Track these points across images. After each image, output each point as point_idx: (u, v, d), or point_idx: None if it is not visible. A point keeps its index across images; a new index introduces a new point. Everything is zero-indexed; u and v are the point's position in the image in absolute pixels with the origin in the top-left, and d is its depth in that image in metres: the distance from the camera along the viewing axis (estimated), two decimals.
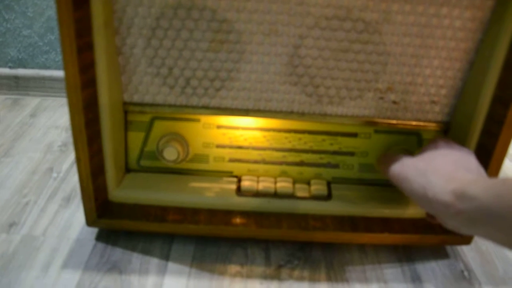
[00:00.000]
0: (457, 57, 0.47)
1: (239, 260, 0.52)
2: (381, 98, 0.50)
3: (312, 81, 0.49)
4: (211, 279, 0.50)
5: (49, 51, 0.86)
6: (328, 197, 0.54)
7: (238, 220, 0.52)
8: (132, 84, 0.50)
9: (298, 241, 0.55)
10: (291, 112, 0.51)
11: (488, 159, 0.48)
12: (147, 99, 0.51)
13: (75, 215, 0.58)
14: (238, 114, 0.51)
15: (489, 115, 0.47)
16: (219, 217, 0.52)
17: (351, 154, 0.55)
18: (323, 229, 0.51)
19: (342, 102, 0.50)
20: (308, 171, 0.56)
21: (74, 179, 0.65)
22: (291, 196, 0.54)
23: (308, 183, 0.55)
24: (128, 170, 0.56)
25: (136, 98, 0.51)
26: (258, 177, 0.55)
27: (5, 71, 0.87)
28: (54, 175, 0.66)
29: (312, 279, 0.50)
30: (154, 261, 0.51)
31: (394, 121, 0.51)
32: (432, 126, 0.52)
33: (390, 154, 0.47)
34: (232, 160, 0.55)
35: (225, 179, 0.56)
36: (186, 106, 0.51)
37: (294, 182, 0.55)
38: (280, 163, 0.55)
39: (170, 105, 0.51)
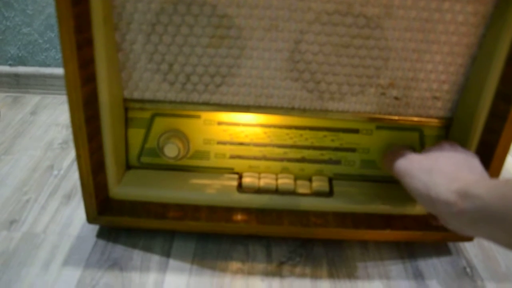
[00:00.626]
0: (459, 52, 0.47)
1: (241, 257, 0.52)
2: (383, 94, 0.50)
3: (313, 76, 0.48)
4: (212, 276, 0.49)
5: (49, 48, 0.86)
6: (330, 193, 0.54)
7: (239, 216, 0.52)
8: (132, 81, 0.50)
9: (300, 238, 0.55)
10: (292, 108, 0.50)
11: (490, 155, 0.47)
12: (148, 95, 0.50)
13: (76, 212, 0.58)
14: (239, 110, 0.51)
15: (492, 111, 0.47)
16: (220, 214, 0.52)
17: (353, 150, 0.54)
18: (325, 225, 0.51)
19: (344, 98, 0.50)
20: (309, 167, 0.55)
21: (74, 177, 0.65)
22: (292, 192, 0.53)
23: (310, 180, 0.55)
24: (128, 167, 0.55)
25: (136, 95, 0.51)
26: (259, 173, 0.55)
27: (5, 69, 0.87)
28: (55, 172, 0.66)
29: (314, 276, 0.50)
30: (155, 258, 0.51)
31: (396, 117, 0.51)
32: (434, 122, 0.51)
33: (396, 149, 0.47)
34: (233, 157, 0.55)
35: (226, 175, 0.55)
36: (187, 103, 0.51)
37: (296, 178, 0.55)
38: (281, 160, 0.55)
39: (170, 102, 0.51)
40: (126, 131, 0.53)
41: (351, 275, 0.51)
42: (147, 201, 0.53)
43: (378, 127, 0.53)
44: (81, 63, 0.42)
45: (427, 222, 0.45)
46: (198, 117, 0.53)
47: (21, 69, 0.87)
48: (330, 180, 0.55)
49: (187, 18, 0.45)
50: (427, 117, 0.51)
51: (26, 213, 0.57)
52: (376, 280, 0.50)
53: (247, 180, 0.54)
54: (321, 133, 0.54)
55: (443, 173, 0.39)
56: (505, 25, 0.44)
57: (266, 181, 0.54)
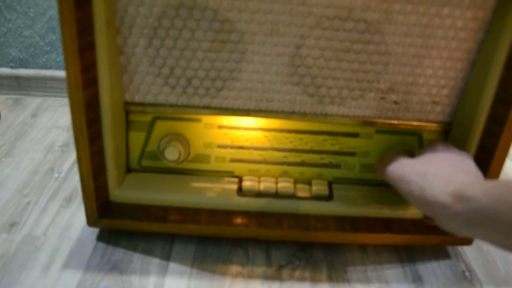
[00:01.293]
0: (458, 57, 0.47)
1: (240, 260, 0.52)
2: (383, 98, 0.50)
3: (314, 81, 0.49)
4: (212, 280, 0.49)
5: (51, 51, 0.86)
6: (329, 197, 0.54)
7: (239, 220, 0.52)
8: (133, 84, 0.50)
9: (299, 242, 0.55)
10: (293, 112, 0.51)
11: (489, 159, 0.47)
12: (149, 99, 0.51)
13: (76, 215, 0.58)
14: (240, 114, 0.51)
15: (491, 115, 0.47)
16: (220, 217, 0.52)
17: (352, 154, 0.55)
18: (324, 229, 0.51)
19: (344, 102, 0.50)
20: (309, 171, 0.55)
21: (75, 179, 0.65)
22: (292, 196, 0.54)
23: (309, 183, 0.55)
24: (129, 170, 0.56)
25: (137, 98, 0.51)
26: (259, 177, 0.55)
27: (7, 71, 0.87)
28: (55, 175, 0.66)
29: (313, 280, 0.50)
30: (155, 261, 0.51)
31: (395, 122, 0.51)
32: (433, 126, 0.52)
33: (389, 156, 0.47)
34: (233, 160, 0.55)
35: (226, 179, 0.56)
36: (188, 106, 0.51)
37: (295, 182, 0.55)
38: (281, 163, 0.55)
39: (171, 105, 0.51)
40: (127, 134, 0.53)
41: (350, 278, 0.51)
42: (148, 204, 0.53)
43: (377, 131, 0.53)
44: (83, 66, 0.42)
45: (424, 223, 0.45)
46: (199, 120, 0.53)
47: (22, 72, 0.88)
48: (330, 184, 0.55)
49: (189, 22, 0.46)
50: (426, 121, 0.51)
51: (26, 215, 0.57)
52: (375, 284, 0.50)
53: (247, 183, 0.54)
54: (321, 137, 0.54)
55: (438, 175, 0.39)
56: (504, 30, 0.44)
57: (266, 184, 0.54)
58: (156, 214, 0.52)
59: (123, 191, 0.53)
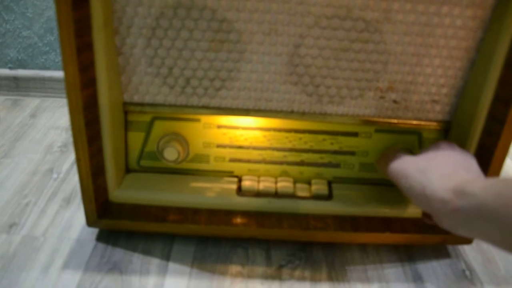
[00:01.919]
0: (458, 56, 0.47)
1: (240, 260, 0.52)
2: (382, 97, 0.50)
3: (313, 80, 0.49)
4: (212, 280, 0.49)
5: (49, 51, 0.86)
6: (329, 196, 0.54)
7: (238, 220, 0.52)
8: (132, 84, 0.50)
9: (299, 241, 0.55)
10: (292, 112, 0.51)
11: (489, 158, 0.47)
12: (147, 99, 0.51)
13: (76, 216, 0.58)
14: (239, 114, 0.51)
15: (490, 114, 0.47)
16: (219, 217, 0.52)
17: (352, 153, 0.55)
18: (324, 229, 0.51)
19: (343, 102, 0.50)
20: (308, 170, 0.55)
21: (74, 180, 0.65)
22: (291, 196, 0.54)
23: (309, 183, 0.55)
24: (128, 170, 0.56)
25: (136, 98, 0.51)
26: (258, 177, 0.55)
27: (5, 72, 0.87)
28: (54, 175, 0.66)
29: (313, 279, 0.50)
30: (155, 262, 0.51)
31: (394, 121, 0.51)
32: (433, 125, 0.51)
33: (390, 152, 0.47)
34: (232, 160, 0.55)
35: (226, 179, 0.55)
36: (186, 106, 0.51)
37: (295, 182, 0.55)
38: (281, 163, 0.55)
39: (170, 105, 0.51)
40: (126, 135, 0.53)
41: (350, 278, 0.51)
42: (147, 205, 0.53)
43: (377, 130, 0.53)
44: (81, 67, 0.42)
45: (423, 221, 0.45)
46: (198, 120, 0.53)
47: (20, 72, 0.87)
48: (330, 183, 0.55)
49: (187, 22, 0.46)
50: (426, 120, 0.51)
51: (25, 216, 0.57)
52: (375, 283, 0.50)
53: (246, 183, 0.54)
54: (320, 137, 0.54)
55: (438, 171, 0.39)
56: (503, 28, 0.44)
57: (265, 184, 0.54)
58: (155, 214, 0.52)
59: (122, 192, 0.53)
